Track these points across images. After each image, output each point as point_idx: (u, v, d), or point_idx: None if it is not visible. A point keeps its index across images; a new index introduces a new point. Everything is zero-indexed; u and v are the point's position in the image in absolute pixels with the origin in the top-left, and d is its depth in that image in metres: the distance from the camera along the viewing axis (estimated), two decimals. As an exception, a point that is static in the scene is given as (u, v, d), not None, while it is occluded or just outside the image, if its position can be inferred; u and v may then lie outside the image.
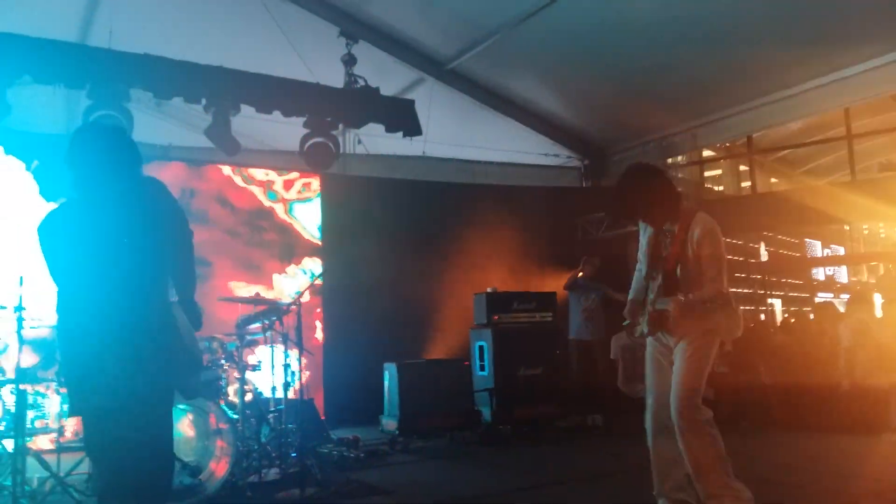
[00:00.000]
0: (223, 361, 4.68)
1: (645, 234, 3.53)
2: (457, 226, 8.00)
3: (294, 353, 5.02)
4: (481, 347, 6.49)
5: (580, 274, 7.20)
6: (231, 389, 4.85)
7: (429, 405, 5.87)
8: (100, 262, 2.46)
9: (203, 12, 6.74)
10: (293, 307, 4.89)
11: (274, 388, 5.02)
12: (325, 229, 7.74)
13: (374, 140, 7.86)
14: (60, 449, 4.39)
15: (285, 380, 4.86)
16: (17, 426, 3.97)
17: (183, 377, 2.72)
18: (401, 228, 7.90)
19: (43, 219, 2.58)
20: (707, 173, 11.10)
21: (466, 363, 6.42)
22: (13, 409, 4.04)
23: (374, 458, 5.35)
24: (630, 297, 3.57)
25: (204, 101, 6.30)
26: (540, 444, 5.95)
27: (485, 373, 6.36)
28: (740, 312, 3.47)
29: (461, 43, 7.61)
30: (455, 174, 8.65)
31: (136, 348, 2.40)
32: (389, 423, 5.94)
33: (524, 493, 4.32)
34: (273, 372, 5.02)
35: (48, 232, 2.55)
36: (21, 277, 3.90)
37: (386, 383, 6.12)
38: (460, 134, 8.36)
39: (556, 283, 7.57)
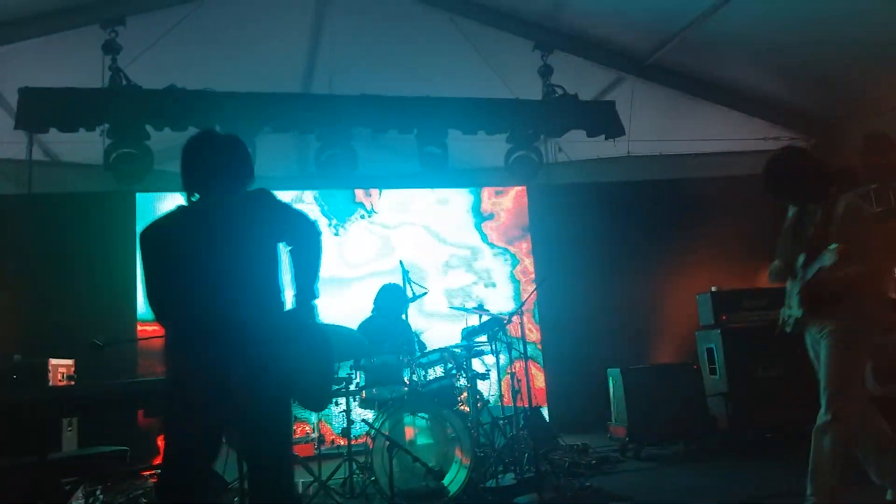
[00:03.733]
0: (454, 371, 4.94)
1: (792, 213, 3.46)
2: (670, 224, 7.72)
3: (519, 361, 5.16)
4: (710, 350, 6.17)
5: None
6: (462, 398, 5.10)
7: (659, 411, 5.69)
8: (216, 270, 2.40)
9: (408, 48, 7.20)
10: (515, 317, 5.03)
11: (501, 396, 5.19)
12: (534, 239, 7.87)
13: (576, 146, 7.85)
14: (321, 455, 4.91)
15: (512, 387, 5.01)
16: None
17: (304, 389, 2.61)
18: (611, 232, 7.80)
19: (149, 225, 2.55)
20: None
21: (696, 367, 6.13)
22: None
23: (606, 465, 5.30)
24: (772, 280, 3.46)
25: (416, 131, 6.76)
26: (787, 451, 5.50)
27: (717, 376, 6.03)
28: (889, 299, 3.12)
29: (659, 36, 7.34)
30: (664, 171, 8.32)
31: (253, 358, 2.35)
32: (618, 430, 5.85)
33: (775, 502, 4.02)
34: (499, 380, 5.20)
35: (155, 238, 2.50)
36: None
37: (611, 389, 6.04)
38: (666, 129, 8.06)
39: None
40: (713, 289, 6.34)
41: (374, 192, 8.02)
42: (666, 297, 7.53)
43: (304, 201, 7.82)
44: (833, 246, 3.05)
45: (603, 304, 7.45)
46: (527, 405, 5.32)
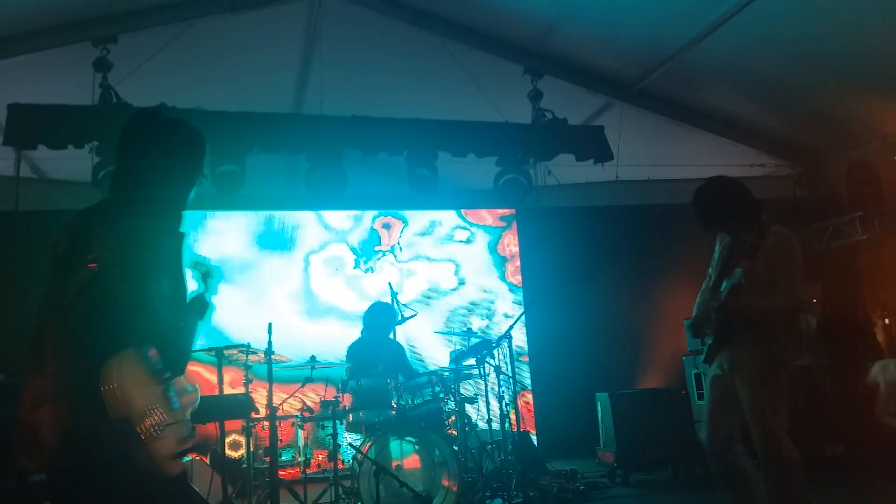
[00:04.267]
0: (442, 395, 4.91)
1: (720, 245, 3.47)
2: (659, 248, 7.76)
3: (507, 385, 5.13)
4: (697, 375, 6.18)
5: None
6: (449, 422, 5.06)
7: (647, 436, 5.68)
8: None
9: (399, 71, 7.24)
10: (503, 341, 5.01)
11: (490, 420, 5.16)
12: (523, 262, 7.88)
13: (566, 169, 7.90)
14: (307, 479, 4.85)
15: (501, 411, 4.98)
16: (272, 459, 4.46)
17: None
18: (600, 255, 7.83)
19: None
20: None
21: (684, 392, 6.13)
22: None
23: (594, 491, 5.27)
24: (694, 313, 3.42)
25: (406, 153, 6.78)
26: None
27: (704, 402, 6.02)
28: (804, 332, 3.13)
29: (647, 62, 7.44)
30: (652, 195, 8.39)
31: None
32: (606, 455, 5.83)
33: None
34: (488, 404, 5.17)
35: None
36: (270, 324, 4.42)
37: (599, 414, 6.03)
38: (654, 154, 8.14)
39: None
40: (700, 314, 6.36)
41: (396, 228, 8.07)
42: (654, 321, 7.55)
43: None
44: (739, 269, 3.08)
45: (591, 329, 7.46)
46: (515, 430, 5.28)
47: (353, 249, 7.91)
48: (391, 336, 5.49)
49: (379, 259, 7.94)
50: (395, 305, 5.39)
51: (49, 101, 5.55)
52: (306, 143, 6.55)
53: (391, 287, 5.38)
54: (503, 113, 7.04)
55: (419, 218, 8.19)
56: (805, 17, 6.30)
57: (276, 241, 7.72)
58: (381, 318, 5.54)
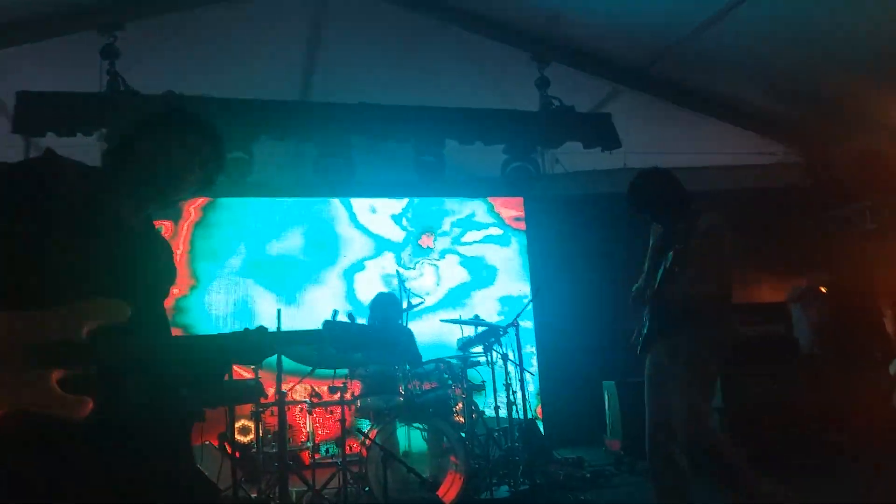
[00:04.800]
0: (450, 381, 4.93)
1: (653, 235, 3.55)
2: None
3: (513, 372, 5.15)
4: (705, 362, 6.16)
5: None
6: (457, 409, 5.08)
7: (653, 424, 5.68)
8: None
9: (406, 58, 7.20)
10: (511, 327, 5.03)
11: (497, 408, 5.18)
12: (531, 250, 7.88)
13: (573, 157, 7.87)
14: (315, 464, 4.88)
15: (508, 399, 5.00)
16: (280, 444, 4.49)
17: None
18: (607, 243, 7.80)
19: None
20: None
21: (691, 380, 6.12)
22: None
23: (601, 479, 5.28)
24: (632, 297, 3.54)
25: (413, 140, 6.77)
26: (783, 464, 5.48)
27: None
28: (736, 320, 3.23)
29: (655, 48, 7.38)
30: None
31: None
32: (613, 444, 5.84)
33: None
34: (494, 391, 5.19)
35: None
36: (279, 310, 4.44)
37: (606, 402, 6.04)
38: (662, 141, 8.08)
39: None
40: (707, 302, 6.34)
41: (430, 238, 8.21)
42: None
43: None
44: (670, 253, 3.07)
45: (599, 317, 7.44)
46: (522, 417, 5.30)
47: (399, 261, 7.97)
48: (400, 322, 5.50)
49: (420, 263, 7.98)
50: (403, 293, 5.40)
51: (57, 89, 5.55)
52: (314, 131, 6.55)
53: (399, 274, 5.39)
54: (510, 101, 7.01)
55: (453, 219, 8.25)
56: (816, 3, 6.25)
57: (319, 248, 7.82)
58: (386, 306, 5.56)
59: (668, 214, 3.42)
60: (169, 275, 1.98)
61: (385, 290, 5.69)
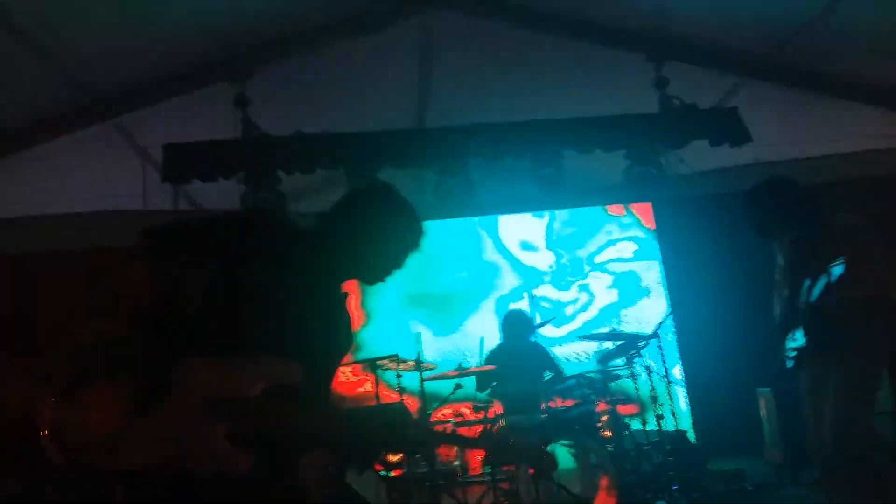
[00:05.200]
0: (593, 396, 4.81)
1: (782, 248, 3.28)
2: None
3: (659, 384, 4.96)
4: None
5: None
6: (603, 422, 4.94)
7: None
8: None
9: (517, 73, 7.22)
10: (653, 338, 4.86)
11: (643, 421, 5.00)
12: (665, 257, 7.62)
13: (698, 156, 7.56)
14: (465, 482, 4.89)
15: (655, 411, 4.82)
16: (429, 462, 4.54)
17: None
18: (744, 242, 7.39)
19: None
20: None
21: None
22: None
23: (764, 492, 4.96)
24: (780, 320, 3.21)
25: (530, 155, 6.74)
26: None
27: (883, 392, 5.54)
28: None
29: (780, 33, 6.98)
30: (796, 175, 7.81)
31: None
32: (774, 454, 5.48)
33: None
34: (641, 404, 5.02)
35: None
36: (418, 334, 4.52)
37: (763, 411, 5.69)
38: (794, 131, 7.63)
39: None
40: (866, 297, 5.86)
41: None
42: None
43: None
44: (840, 259, 2.81)
45: (744, 320, 7.04)
46: (671, 430, 5.08)
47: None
48: (533, 340, 5.46)
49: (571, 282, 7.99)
50: (534, 309, 5.37)
51: (197, 139, 5.98)
52: (432, 156, 6.67)
53: (530, 293, 5.37)
54: (629, 105, 6.85)
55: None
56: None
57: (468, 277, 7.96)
58: (517, 324, 5.54)
59: (797, 225, 3.22)
60: (347, 344, 2.00)
61: (517, 307, 5.66)
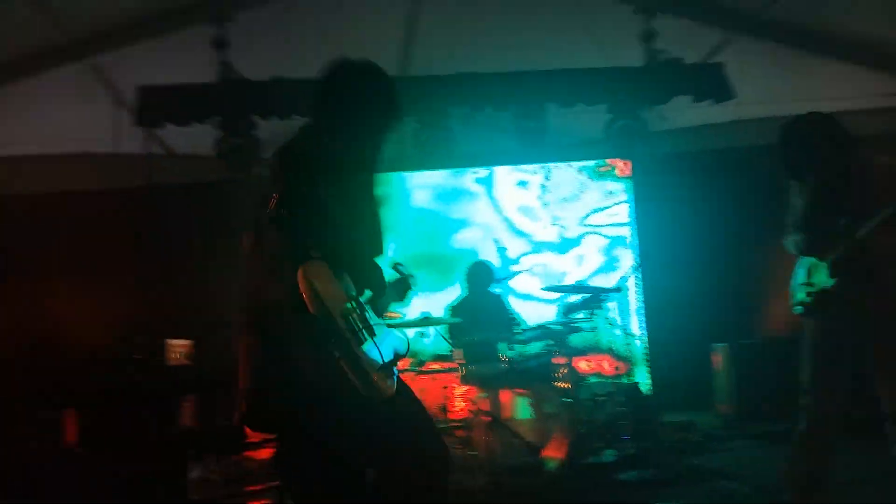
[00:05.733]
0: (553, 348, 4.95)
1: (803, 188, 3.13)
2: (783, 191, 7.26)
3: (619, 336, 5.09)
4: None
5: None
6: (561, 374, 5.09)
7: (768, 387, 5.46)
8: None
9: (506, 21, 7.08)
10: (616, 292, 4.96)
11: (599, 373, 5.15)
12: (638, 213, 7.68)
13: (680, 112, 7.52)
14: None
15: (613, 364, 4.97)
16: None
17: None
18: (719, 201, 7.46)
19: None
20: None
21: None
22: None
23: (713, 442, 5.16)
24: (809, 263, 3.11)
25: (512, 107, 6.72)
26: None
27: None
28: None
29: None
30: (777, 135, 7.81)
31: None
32: (725, 407, 5.66)
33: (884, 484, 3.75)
34: (599, 357, 5.16)
35: None
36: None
37: (717, 365, 5.84)
38: (779, 89, 7.55)
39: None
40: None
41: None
42: (778, 266, 7.12)
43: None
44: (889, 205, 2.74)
45: (710, 278, 7.15)
46: (627, 381, 5.24)
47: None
48: (497, 292, 5.55)
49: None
50: (501, 260, 5.44)
51: (172, 82, 5.95)
52: (412, 105, 6.64)
53: (497, 243, 5.43)
54: (616, 58, 6.78)
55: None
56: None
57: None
58: (479, 275, 5.62)
59: (838, 160, 3.06)
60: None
61: (483, 259, 5.73)
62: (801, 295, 3.19)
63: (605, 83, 6.78)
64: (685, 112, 7.33)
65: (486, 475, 4.26)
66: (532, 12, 7.03)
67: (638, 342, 7.40)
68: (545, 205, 8.07)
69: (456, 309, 5.51)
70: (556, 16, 6.93)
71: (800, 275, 3.23)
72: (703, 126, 7.84)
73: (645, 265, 6.96)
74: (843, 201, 3.01)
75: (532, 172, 8.16)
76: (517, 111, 6.77)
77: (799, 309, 3.21)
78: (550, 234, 7.86)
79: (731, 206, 7.49)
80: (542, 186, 8.14)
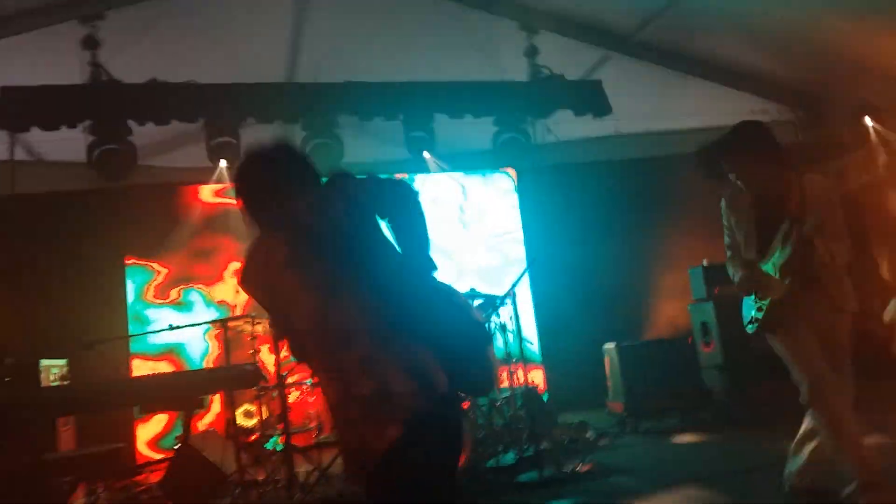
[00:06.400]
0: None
1: (730, 205, 3.21)
2: (661, 200, 7.72)
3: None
4: (704, 323, 6.18)
5: None
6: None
7: (655, 385, 5.72)
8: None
9: (393, 33, 7.11)
10: (508, 297, 5.02)
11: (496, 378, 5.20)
12: (524, 220, 7.88)
13: (565, 126, 7.82)
14: (320, 444, 4.91)
15: (508, 368, 5.02)
16: (284, 426, 4.51)
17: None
18: (603, 210, 7.81)
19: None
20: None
21: (690, 340, 6.16)
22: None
23: (605, 440, 5.32)
24: (739, 277, 3.21)
25: (402, 117, 6.72)
26: (781, 422, 5.49)
27: (711, 349, 6.05)
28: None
29: (644, 12, 7.30)
30: (653, 148, 8.29)
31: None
32: (615, 406, 5.88)
33: (764, 472, 3.97)
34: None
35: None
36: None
37: (607, 366, 6.06)
38: (654, 106, 8.04)
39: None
40: (704, 262, 6.34)
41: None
42: (658, 272, 7.55)
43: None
44: (811, 219, 2.88)
45: (597, 284, 7.47)
46: (523, 386, 5.31)
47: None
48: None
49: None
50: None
51: (39, 82, 5.49)
52: (301, 112, 6.50)
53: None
54: (500, 71, 6.95)
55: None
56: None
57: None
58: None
59: (767, 172, 3.04)
60: None
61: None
62: (752, 311, 3.22)
63: (492, 96, 6.93)
64: (570, 125, 7.62)
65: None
66: (420, 24, 7.10)
67: (532, 346, 7.57)
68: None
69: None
70: (443, 28, 7.03)
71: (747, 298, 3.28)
72: (586, 139, 8.18)
73: (533, 272, 7.13)
74: (785, 205, 3.06)
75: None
76: (407, 121, 6.77)
77: (752, 328, 3.25)
78: (447, 243, 7.92)
79: (614, 215, 7.86)
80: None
